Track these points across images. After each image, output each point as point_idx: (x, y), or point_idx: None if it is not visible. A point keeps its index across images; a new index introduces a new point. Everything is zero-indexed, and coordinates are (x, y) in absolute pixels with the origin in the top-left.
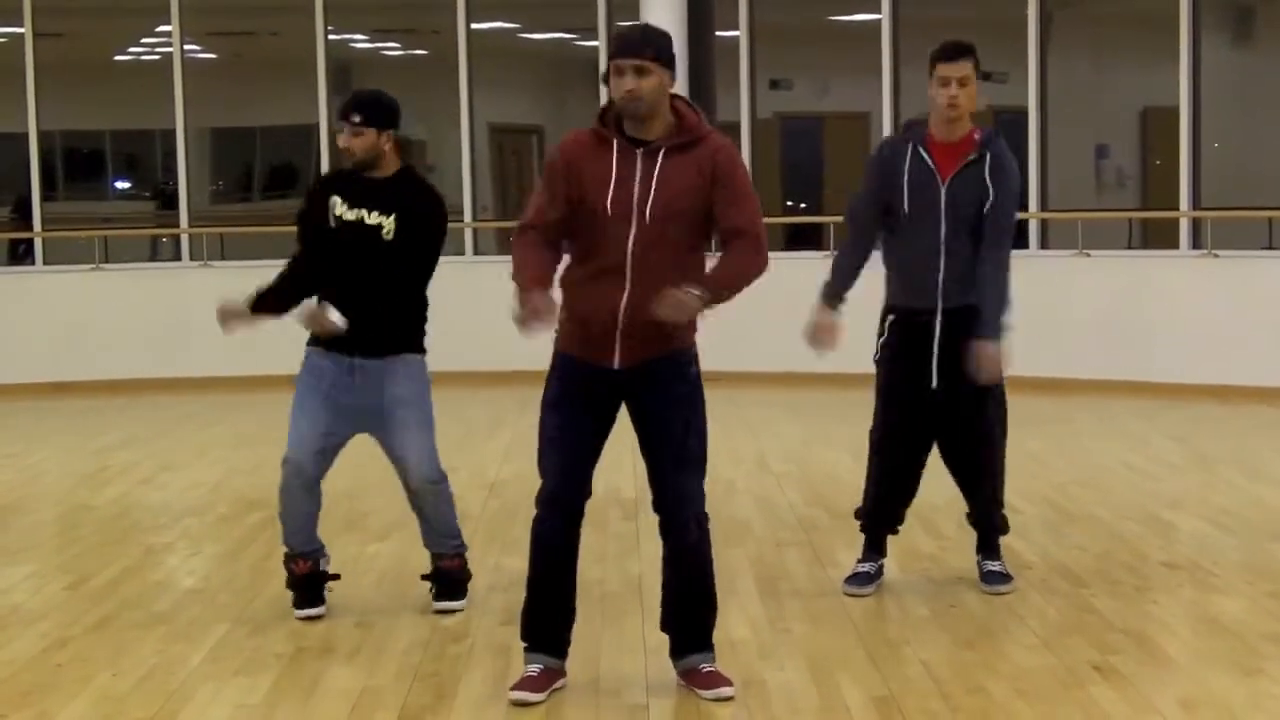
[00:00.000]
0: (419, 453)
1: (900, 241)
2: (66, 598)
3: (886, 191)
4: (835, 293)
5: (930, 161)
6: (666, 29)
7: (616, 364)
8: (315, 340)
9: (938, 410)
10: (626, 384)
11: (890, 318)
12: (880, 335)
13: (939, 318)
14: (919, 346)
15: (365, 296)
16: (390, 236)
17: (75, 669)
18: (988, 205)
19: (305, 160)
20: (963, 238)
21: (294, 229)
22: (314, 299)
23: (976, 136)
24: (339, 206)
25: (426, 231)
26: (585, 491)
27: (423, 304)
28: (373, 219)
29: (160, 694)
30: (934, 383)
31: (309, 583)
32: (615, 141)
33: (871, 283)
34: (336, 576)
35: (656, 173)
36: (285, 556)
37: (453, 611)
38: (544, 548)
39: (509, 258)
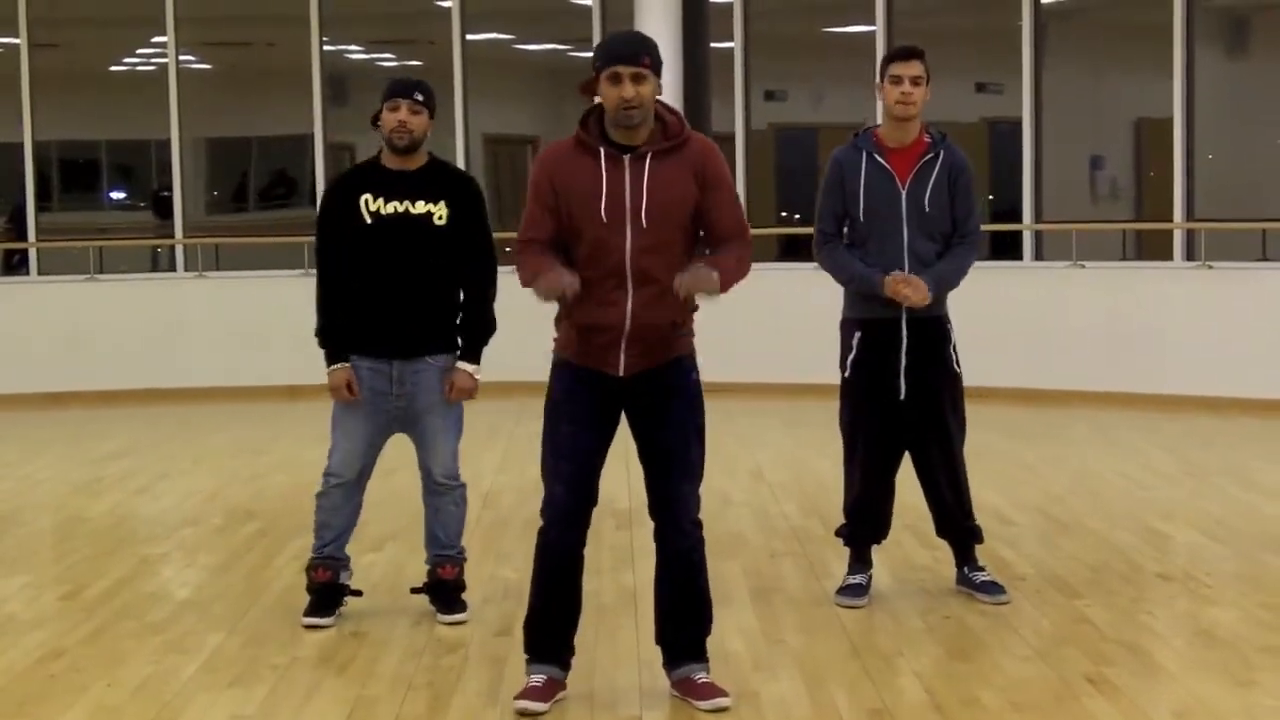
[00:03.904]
0: (449, 453)
1: (861, 251)
2: (61, 608)
3: (843, 204)
4: (870, 271)
5: (887, 166)
6: (661, 40)
7: (621, 371)
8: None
9: (906, 422)
10: (629, 391)
11: (857, 334)
12: (850, 351)
13: (905, 328)
14: (886, 359)
15: (409, 291)
16: (443, 223)
17: (70, 679)
18: (953, 206)
19: (301, 171)
20: (926, 241)
21: (290, 239)
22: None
23: (927, 138)
24: (372, 202)
25: (483, 214)
26: (592, 500)
27: (458, 299)
28: (419, 208)
29: (155, 704)
30: (902, 395)
31: (324, 592)
32: (602, 150)
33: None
34: (358, 593)
35: (647, 178)
36: (309, 563)
37: (460, 623)
38: (550, 558)
39: (512, 268)
